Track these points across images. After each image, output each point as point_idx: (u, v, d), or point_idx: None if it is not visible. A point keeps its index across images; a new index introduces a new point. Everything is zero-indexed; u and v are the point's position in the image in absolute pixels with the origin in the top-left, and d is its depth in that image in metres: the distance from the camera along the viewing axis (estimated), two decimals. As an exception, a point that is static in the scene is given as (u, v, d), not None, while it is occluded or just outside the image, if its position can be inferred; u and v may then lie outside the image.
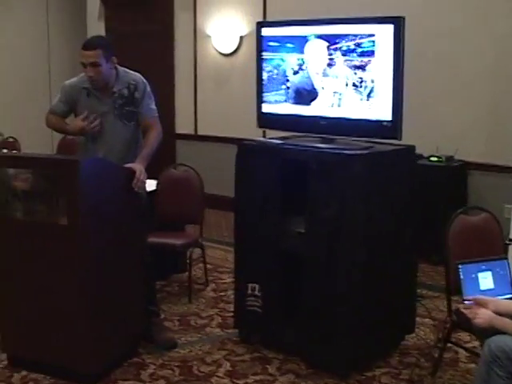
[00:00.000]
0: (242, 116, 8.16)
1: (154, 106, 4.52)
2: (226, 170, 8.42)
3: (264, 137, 7.48)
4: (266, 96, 4.55)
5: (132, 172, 4.09)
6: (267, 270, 4.43)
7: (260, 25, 4.60)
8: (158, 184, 5.70)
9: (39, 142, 9.02)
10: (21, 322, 4.15)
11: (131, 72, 4.51)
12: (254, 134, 7.77)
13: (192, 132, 9.12)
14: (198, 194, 5.62)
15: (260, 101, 4.58)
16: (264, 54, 4.52)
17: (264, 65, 4.52)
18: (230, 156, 8.21)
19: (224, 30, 8.50)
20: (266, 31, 4.51)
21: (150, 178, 4.42)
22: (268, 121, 4.63)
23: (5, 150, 7.79)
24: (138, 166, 4.15)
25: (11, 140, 8.58)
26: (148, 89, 4.48)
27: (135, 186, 4.10)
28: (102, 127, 4.38)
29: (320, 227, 4.09)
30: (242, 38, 8.37)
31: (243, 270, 4.61)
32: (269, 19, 7.79)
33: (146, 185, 4.38)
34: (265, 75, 4.53)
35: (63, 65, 10.37)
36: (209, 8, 8.70)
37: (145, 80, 4.50)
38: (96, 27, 9.85)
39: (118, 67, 4.44)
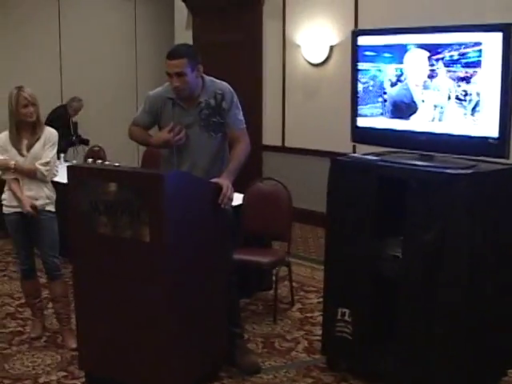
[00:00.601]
0: (331, 128, 7.94)
1: (241, 117, 4.31)
2: (313, 183, 8.28)
3: (354, 151, 7.23)
4: (361, 109, 4.27)
5: (218, 187, 3.89)
6: (359, 295, 4.15)
7: (356, 33, 4.32)
8: (244, 198, 5.49)
9: (125, 151, 8.97)
10: (100, 339, 4.01)
11: (218, 81, 4.31)
12: (343, 147, 7.57)
13: (279, 144, 8.93)
14: (285, 210, 5.37)
15: (355, 114, 4.31)
16: (359, 64, 4.25)
17: (359, 76, 4.25)
18: (319, 169, 8.08)
19: (314, 39, 8.27)
20: (362, 40, 4.24)
21: (236, 191, 4.22)
22: (363, 135, 4.35)
23: (90, 160, 7.74)
24: (225, 182, 3.94)
25: (97, 149, 8.57)
26: (235, 98, 4.28)
27: (222, 202, 3.89)
28: (187, 139, 4.19)
29: (418, 251, 3.80)
30: (332, 47, 8.12)
31: (332, 293, 4.35)
32: (360, 28, 7.50)
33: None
34: (360, 87, 4.26)
35: (150, 74, 10.36)
36: (298, 17, 8.49)
37: (232, 89, 4.29)
38: (183, 36, 9.81)
39: (205, 76, 4.24)
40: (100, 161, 7.60)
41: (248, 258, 5.08)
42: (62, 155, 8.46)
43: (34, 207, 4.62)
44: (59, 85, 10.10)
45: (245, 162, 4.22)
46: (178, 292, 3.73)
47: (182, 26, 10.14)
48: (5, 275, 6.49)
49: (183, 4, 10.02)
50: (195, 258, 3.82)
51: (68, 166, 3.96)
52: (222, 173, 4.09)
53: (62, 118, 9.10)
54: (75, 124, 9.55)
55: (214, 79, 4.31)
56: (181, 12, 10.15)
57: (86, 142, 9.39)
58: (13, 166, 4.66)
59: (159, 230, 3.56)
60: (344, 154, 4.44)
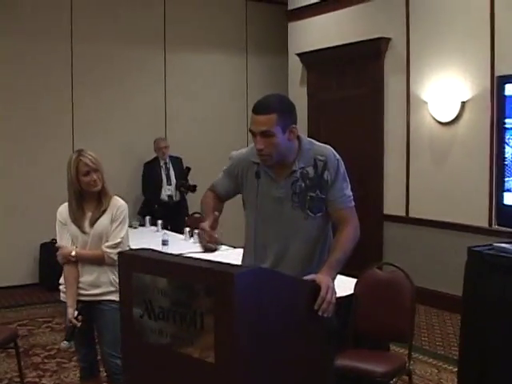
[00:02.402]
0: (464, 198, 6.87)
1: (349, 192, 3.28)
2: (442, 260, 7.15)
3: (490, 224, 6.13)
4: (510, 181, 3.20)
5: (316, 287, 2.87)
6: None
7: (503, 80, 3.27)
8: (356, 286, 4.43)
9: (231, 218, 8.15)
10: None
11: (318, 144, 3.31)
12: (478, 219, 6.53)
13: (403, 214, 7.82)
14: (407, 305, 4.24)
15: (501, 188, 3.24)
16: (508, 121, 3.18)
17: (508, 137, 3.19)
18: (448, 244, 7.00)
19: (442, 94, 7.21)
20: (512, 89, 3.19)
21: (345, 274, 3.26)
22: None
23: (187, 229, 7.01)
24: (325, 279, 2.91)
25: (198, 216, 7.78)
26: (342, 168, 3.27)
27: (319, 307, 2.87)
28: (276, 220, 3.23)
29: None
30: (463, 103, 7.02)
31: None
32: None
33: (341, 288, 3.10)
34: (509, 152, 3.18)
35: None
36: (424, 69, 7.50)
37: (337, 155, 3.29)
38: (297, 92, 9.17)
39: (302, 137, 3.27)
40: (197, 230, 6.83)
41: (358, 366, 4.03)
42: (160, 222, 7.79)
43: (78, 320, 3.81)
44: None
45: (352, 251, 3.17)
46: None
47: (297, 81, 9.43)
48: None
49: (298, 59, 9.29)
50: (279, 376, 2.81)
51: (119, 253, 3.07)
52: (322, 265, 3.09)
53: (152, 170, 8.79)
54: (188, 169, 9.00)
55: (314, 142, 3.32)
56: (295, 67, 9.47)
57: (192, 189, 8.71)
58: (73, 258, 3.88)
59: (228, 347, 2.59)
60: (479, 228, 3.39)
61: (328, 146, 3.31)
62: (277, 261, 3.21)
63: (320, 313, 2.85)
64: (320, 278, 2.91)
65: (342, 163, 3.27)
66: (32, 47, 8.52)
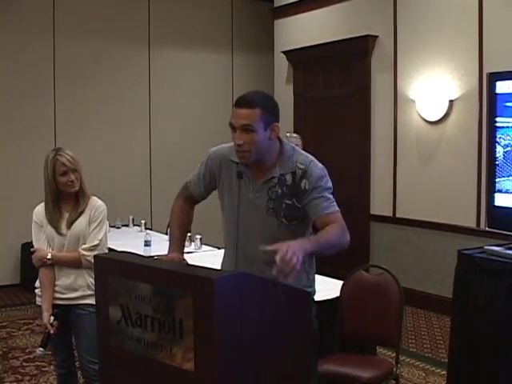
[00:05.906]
0: (452, 198, 6.80)
1: (331, 198, 3.08)
2: (429, 261, 7.09)
3: (478, 224, 6.03)
4: (501, 182, 3.09)
5: (301, 292, 2.71)
6: None
7: (494, 77, 3.17)
8: (342, 289, 4.31)
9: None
10: None
11: (301, 152, 3.16)
12: (466, 220, 6.43)
13: (390, 214, 7.72)
14: (395, 308, 4.12)
15: (492, 189, 3.14)
16: (499, 120, 3.08)
17: (498, 136, 3.09)
18: (436, 245, 6.93)
19: (430, 92, 7.12)
20: (504, 86, 3.08)
21: (331, 276, 3.02)
22: (504, 219, 3.16)
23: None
24: (284, 245, 2.63)
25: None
26: (323, 181, 3.07)
27: (278, 273, 2.58)
28: (250, 227, 3.08)
29: None
30: (452, 101, 6.94)
31: None
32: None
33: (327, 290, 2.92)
34: (499, 151, 3.08)
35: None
36: (411, 68, 7.41)
37: (320, 165, 3.11)
38: (283, 90, 9.12)
39: (285, 142, 3.14)
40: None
41: (343, 371, 3.91)
42: (143, 222, 7.64)
43: (53, 325, 3.68)
44: (148, 142, 9.50)
45: (335, 247, 2.94)
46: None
47: (283, 79, 9.35)
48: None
49: (284, 56, 9.20)
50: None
51: (95, 257, 2.95)
52: (299, 276, 2.89)
53: None
54: None
55: (298, 149, 3.18)
56: (281, 65, 9.37)
57: None
58: (49, 261, 3.76)
59: (208, 355, 2.47)
60: (467, 229, 3.29)
61: (310, 156, 3.15)
62: (247, 266, 3.04)
63: (280, 277, 2.61)
64: (284, 244, 2.64)
65: (324, 173, 3.10)
66: (14, 44, 8.36)
